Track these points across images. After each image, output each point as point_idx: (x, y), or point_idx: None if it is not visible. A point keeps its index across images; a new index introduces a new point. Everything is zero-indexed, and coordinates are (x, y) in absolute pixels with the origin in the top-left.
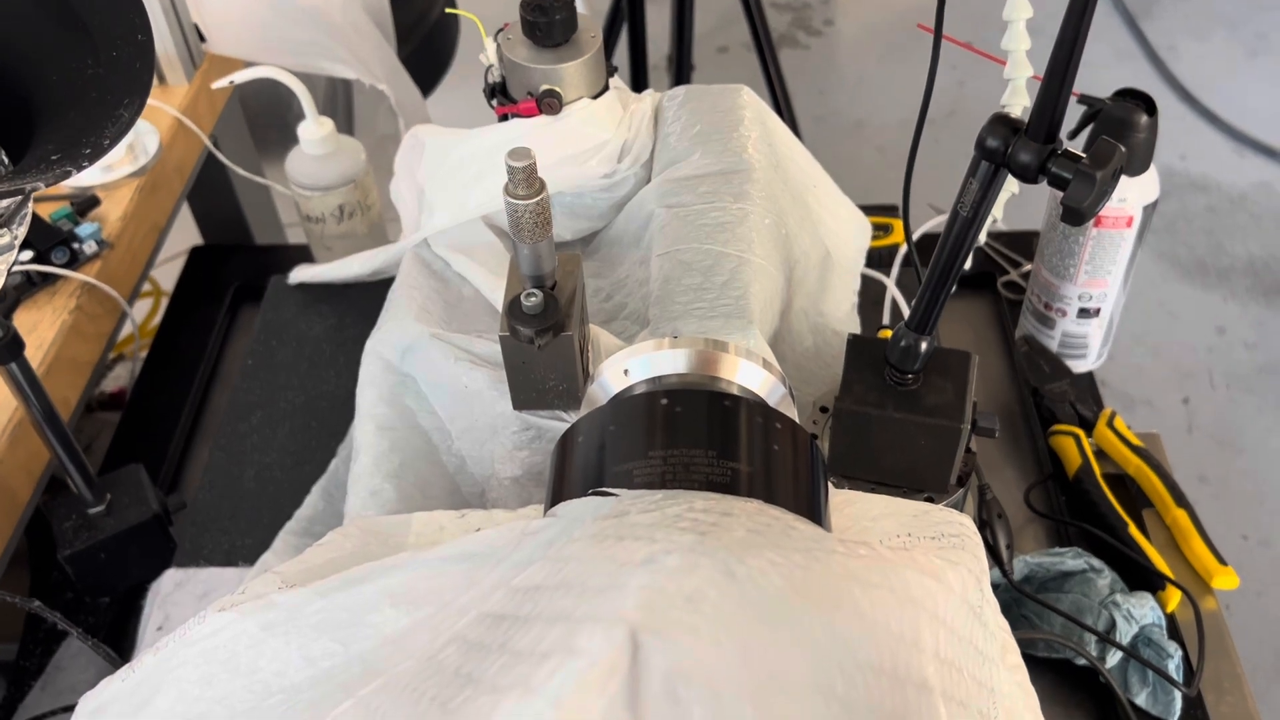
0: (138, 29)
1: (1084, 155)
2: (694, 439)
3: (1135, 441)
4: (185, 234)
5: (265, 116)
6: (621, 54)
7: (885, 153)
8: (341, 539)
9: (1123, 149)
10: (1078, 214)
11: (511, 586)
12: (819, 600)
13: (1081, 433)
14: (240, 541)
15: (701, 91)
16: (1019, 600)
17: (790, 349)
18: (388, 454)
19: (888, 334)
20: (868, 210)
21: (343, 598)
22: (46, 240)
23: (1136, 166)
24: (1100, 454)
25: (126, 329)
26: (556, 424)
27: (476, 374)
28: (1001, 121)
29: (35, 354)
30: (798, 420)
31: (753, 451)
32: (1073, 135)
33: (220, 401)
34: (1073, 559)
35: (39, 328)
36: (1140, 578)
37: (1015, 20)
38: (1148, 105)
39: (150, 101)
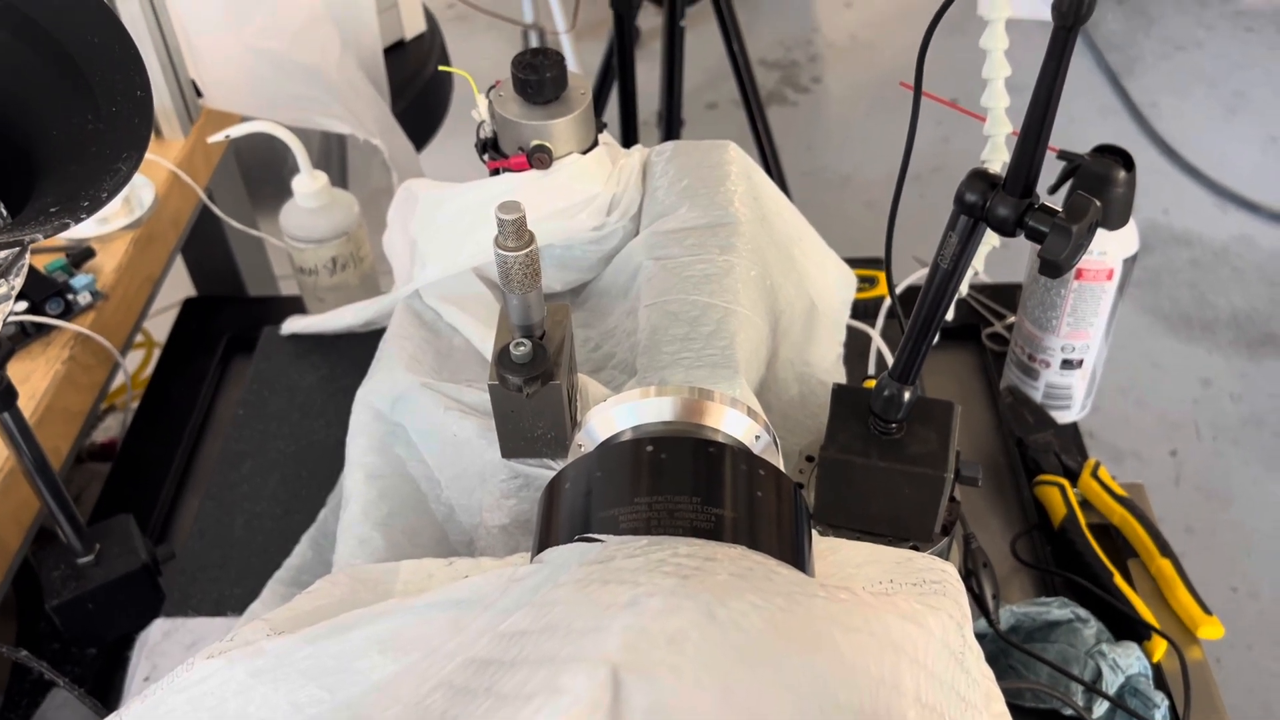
0: (137, 85)
1: (1060, 210)
2: (679, 485)
3: (1119, 491)
4: (179, 285)
5: (260, 170)
6: (612, 110)
7: (872, 207)
8: (330, 586)
9: (1097, 203)
10: (1055, 267)
11: (498, 632)
12: (800, 643)
13: (1066, 483)
14: (229, 591)
15: (689, 147)
16: (1006, 650)
17: (776, 398)
18: (376, 502)
19: (873, 384)
20: (854, 263)
21: (331, 645)
22: (41, 291)
23: (1116, 220)
24: (1085, 504)
25: (119, 379)
26: (544, 472)
27: (465, 423)
28: (980, 177)
29: (28, 403)
30: (782, 468)
31: (737, 498)
32: (1053, 190)
33: (211, 451)
34: (1059, 609)
35: (32, 378)
36: (1126, 627)
37: (994, 78)
38: (1126, 161)
39: (147, 155)
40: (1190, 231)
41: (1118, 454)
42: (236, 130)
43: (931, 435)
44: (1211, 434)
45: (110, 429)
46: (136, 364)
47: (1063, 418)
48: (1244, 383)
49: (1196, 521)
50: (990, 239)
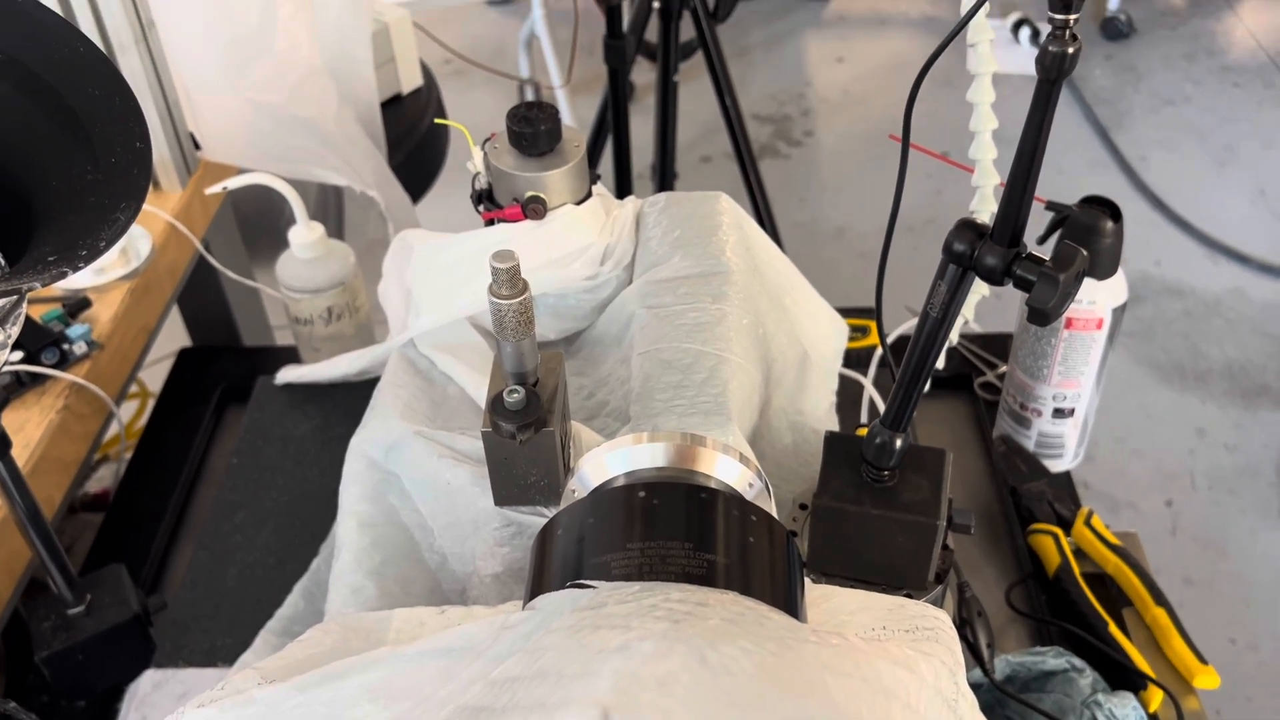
0: (137, 136)
1: (1048, 259)
2: (671, 531)
3: (1113, 540)
4: (174, 336)
5: (257, 221)
6: (607, 163)
7: (865, 258)
8: (322, 635)
9: (1084, 252)
10: (1043, 315)
11: (490, 679)
12: (792, 688)
13: (1060, 531)
14: (221, 641)
15: (681, 198)
16: (1002, 700)
17: (770, 446)
18: (369, 551)
19: (865, 432)
20: (847, 313)
21: (322, 693)
22: (37, 341)
23: (1104, 270)
24: (1079, 553)
25: (113, 429)
26: (537, 519)
27: (459, 470)
28: (968, 226)
29: (21, 452)
30: (775, 514)
31: (729, 544)
32: (1042, 240)
33: (205, 501)
34: (1054, 658)
35: (26, 427)
36: (1122, 677)
37: (981, 131)
38: (1113, 211)
39: (144, 206)
40: (1182, 283)
41: (1114, 504)
42: (234, 182)
43: (924, 483)
44: (1207, 484)
45: (103, 479)
46: (131, 414)
47: (1055, 466)
48: (1239, 433)
49: (1194, 572)
50: (980, 288)
